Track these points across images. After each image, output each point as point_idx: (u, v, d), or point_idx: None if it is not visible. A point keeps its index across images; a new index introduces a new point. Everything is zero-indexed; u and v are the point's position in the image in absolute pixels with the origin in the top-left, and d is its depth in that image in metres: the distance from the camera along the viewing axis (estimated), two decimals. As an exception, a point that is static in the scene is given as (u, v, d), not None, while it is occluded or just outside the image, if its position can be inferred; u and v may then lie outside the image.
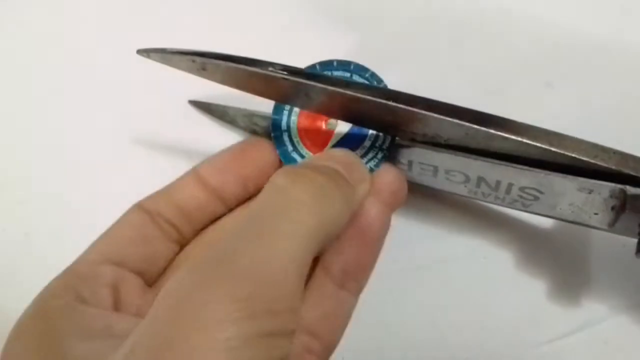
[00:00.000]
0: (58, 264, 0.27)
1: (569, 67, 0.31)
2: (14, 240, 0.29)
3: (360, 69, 0.25)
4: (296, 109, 0.25)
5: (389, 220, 0.23)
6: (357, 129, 0.25)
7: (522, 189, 0.23)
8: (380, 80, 0.25)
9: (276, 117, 0.25)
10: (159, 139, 0.30)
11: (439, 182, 0.25)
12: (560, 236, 0.28)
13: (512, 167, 0.22)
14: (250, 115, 0.28)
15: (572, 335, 0.27)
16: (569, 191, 0.22)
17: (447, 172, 0.24)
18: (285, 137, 0.25)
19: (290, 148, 0.25)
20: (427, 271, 0.28)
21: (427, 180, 0.25)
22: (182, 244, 0.24)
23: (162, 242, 0.24)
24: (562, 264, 0.28)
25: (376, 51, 0.31)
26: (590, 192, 0.22)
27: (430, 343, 0.27)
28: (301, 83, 0.21)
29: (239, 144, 0.26)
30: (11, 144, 0.30)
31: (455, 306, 0.27)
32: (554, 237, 0.28)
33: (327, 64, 0.25)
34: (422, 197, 0.28)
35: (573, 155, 0.21)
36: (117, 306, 0.21)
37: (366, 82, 0.25)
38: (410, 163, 0.24)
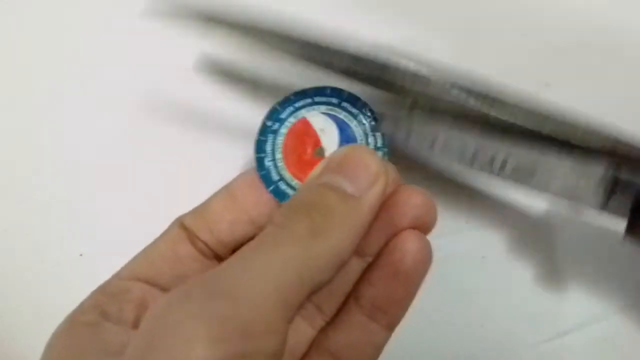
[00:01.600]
0: (59, 263, 0.28)
1: (569, 67, 0.31)
2: (15, 241, 0.29)
3: (319, 90, 0.24)
4: (279, 143, 0.24)
5: (429, 258, 0.21)
6: (345, 143, 0.24)
7: (516, 165, 0.23)
8: (342, 90, 0.24)
9: (260, 154, 0.24)
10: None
11: (436, 154, 0.25)
12: (559, 236, 0.28)
13: (507, 143, 0.22)
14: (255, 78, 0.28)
15: (571, 333, 0.27)
16: (562, 169, 0.22)
17: (444, 143, 0.24)
18: (268, 161, 0.24)
19: (274, 174, 0.23)
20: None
21: (424, 152, 0.26)
22: (218, 259, 0.23)
23: (196, 260, 0.23)
24: (561, 263, 0.28)
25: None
26: (583, 171, 0.22)
27: (430, 343, 0.27)
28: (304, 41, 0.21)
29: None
30: (11, 144, 0.30)
31: (454, 305, 0.28)
32: (553, 237, 0.28)
33: (285, 100, 0.24)
34: None
35: (568, 129, 0.21)
36: (139, 324, 0.21)
37: (329, 98, 0.24)
38: (408, 133, 0.25)
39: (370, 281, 0.21)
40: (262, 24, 0.21)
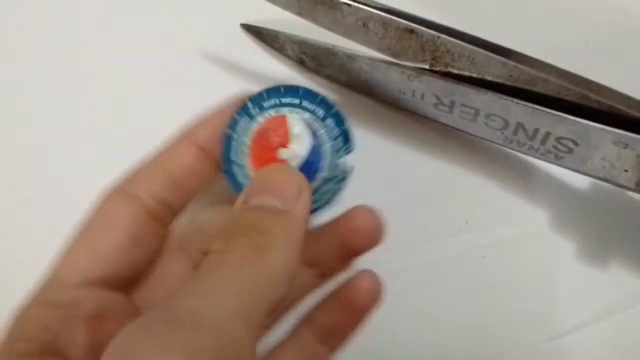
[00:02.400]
0: None
1: (569, 67, 0.31)
2: (15, 241, 0.29)
3: (310, 94, 0.23)
4: (252, 129, 0.23)
5: (380, 291, 0.24)
6: (312, 158, 0.23)
7: (558, 139, 0.24)
8: (331, 106, 0.23)
9: (229, 131, 0.23)
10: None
11: (477, 128, 0.26)
12: (557, 236, 0.28)
13: (552, 113, 0.23)
14: (300, 42, 0.29)
15: (571, 334, 0.27)
16: (604, 144, 0.23)
17: (487, 116, 0.25)
18: (234, 142, 0.23)
19: (234, 155, 0.23)
20: (426, 271, 0.28)
21: (465, 124, 0.26)
22: (171, 221, 0.23)
23: (154, 235, 0.22)
24: (559, 264, 0.28)
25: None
26: (626, 146, 0.22)
27: (430, 342, 0.28)
28: (360, 9, 0.22)
29: (228, 102, 0.23)
30: (11, 144, 0.30)
31: (454, 305, 0.28)
32: (551, 237, 0.28)
33: (274, 90, 0.23)
34: (420, 199, 0.29)
35: (610, 103, 0.22)
36: (95, 348, 0.19)
37: (317, 107, 0.23)
38: (452, 104, 0.25)
39: (324, 310, 0.24)
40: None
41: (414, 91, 0.26)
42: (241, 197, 0.21)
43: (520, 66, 0.22)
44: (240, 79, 0.30)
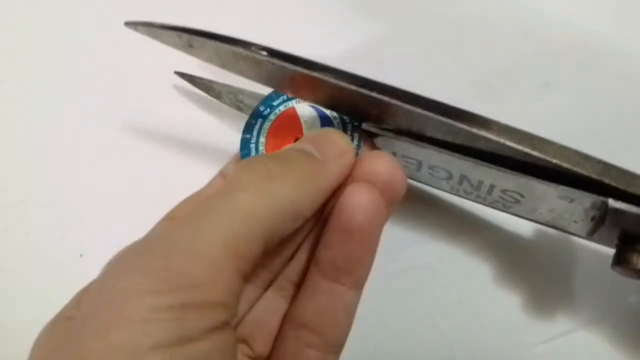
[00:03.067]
0: (59, 263, 0.28)
1: (569, 67, 0.31)
2: (15, 241, 0.29)
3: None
4: (265, 128, 0.24)
5: (381, 210, 0.20)
6: None
7: (503, 191, 0.23)
8: None
9: (246, 135, 0.24)
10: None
11: (423, 177, 0.25)
12: (553, 241, 0.28)
13: (495, 168, 0.22)
14: (236, 92, 0.28)
15: (566, 335, 0.27)
16: (550, 197, 0.22)
17: (430, 167, 0.24)
18: (252, 143, 0.24)
19: (254, 155, 0.24)
20: (425, 271, 0.28)
21: (410, 173, 0.25)
22: None
23: None
24: (555, 269, 0.28)
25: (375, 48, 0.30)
26: (572, 201, 0.21)
27: (429, 343, 0.27)
28: (284, 67, 0.21)
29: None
30: (11, 143, 0.31)
31: (454, 306, 0.27)
32: (548, 241, 0.28)
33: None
34: (419, 202, 0.28)
35: (555, 161, 0.20)
36: None
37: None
38: (394, 155, 0.24)
39: (326, 244, 0.20)
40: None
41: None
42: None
43: (458, 124, 0.20)
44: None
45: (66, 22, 0.33)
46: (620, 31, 0.32)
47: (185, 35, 0.21)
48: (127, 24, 0.21)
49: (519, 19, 0.32)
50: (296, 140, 0.23)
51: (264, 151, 0.23)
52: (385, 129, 0.23)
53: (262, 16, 0.33)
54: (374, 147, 0.23)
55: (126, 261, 0.16)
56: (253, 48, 0.21)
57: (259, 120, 0.24)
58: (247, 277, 0.17)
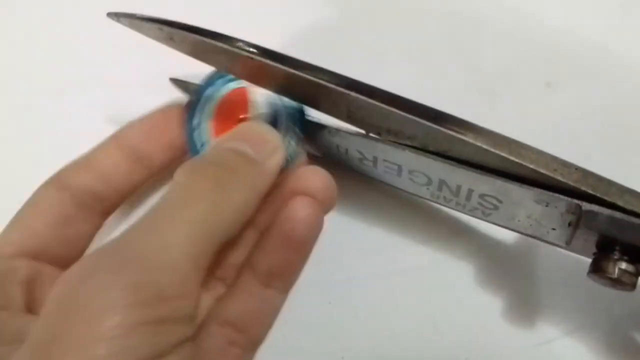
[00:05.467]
0: None
1: (569, 67, 0.31)
2: None
3: None
4: (224, 90, 0.24)
5: (319, 222, 0.21)
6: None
7: (482, 195, 0.23)
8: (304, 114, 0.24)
9: (190, 123, 0.24)
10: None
11: (403, 183, 0.25)
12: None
13: (472, 171, 0.22)
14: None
15: (561, 339, 0.26)
16: (527, 202, 0.22)
17: (410, 172, 0.24)
18: (199, 110, 0.24)
19: (196, 125, 0.24)
20: (426, 272, 0.28)
21: (391, 179, 0.25)
22: (108, 213, 0.24)
23: (85, 220, 0.23)
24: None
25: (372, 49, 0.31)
26: (547, 204, 0.21)
27: (427, 345, 0.27)
28: (265, 63, 0.21)
29: (162, 108, 0.25)
30: (10, 143, 0.30)
31: (453, 307, 0.27)
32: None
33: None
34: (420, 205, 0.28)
35: (532, 166, 0.20)
36: (31, 306, 0.21)
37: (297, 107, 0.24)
38: (375, 159, 0.24)
39: (265, 251, 0.21)
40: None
41: (337, 146, 0.25)
42: (217, 140, 0.22)
43: (436, 127, 0.20)
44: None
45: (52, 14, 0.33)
46: (621, 32, 0.32)
47: (166, 28, 0.21)
48: (110, 14, 0.21)
49: (520, 18, 0.32)
50: (239, 117, 0.24)
51: (208, 120, 0.24)
52: (367, 132, 0.23)
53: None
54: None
55: (98, 275, 0.15)
56: (237, 44, 0.21)
57: (210, 89, 0.24)
58: (202, 285, 0.18)
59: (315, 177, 0.21)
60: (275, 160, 0.21)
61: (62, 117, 0.30)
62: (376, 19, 0.33)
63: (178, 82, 0.29)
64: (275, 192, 0.21)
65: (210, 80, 0.24)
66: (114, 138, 0.24)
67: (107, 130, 0.29)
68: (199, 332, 0.20)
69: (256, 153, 0.21)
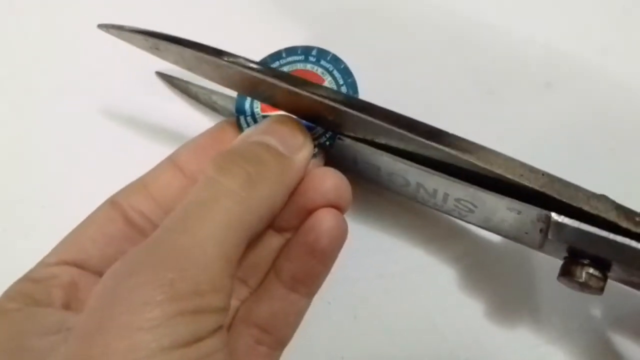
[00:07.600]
0: None
1: (569, 67, 0.31)
2: (15, 241, 0.29)
3: (318, 51, 0.25)
4: None
5: (342, 233, 0.22)
6: None
7: (457, 200, 0.24)
8: (340, 61, 0.25)
9: (240, 100, 0.25)
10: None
11: (383, 182, 0.26)
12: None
13: (446, 177, 0.22)
14: (210, 93, 0.29)
15: (557, 341, 0.27)
16: (500, 209, 0.22)
17: (388, 174, 0.25)
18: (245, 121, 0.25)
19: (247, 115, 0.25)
20: (425, 273, 0.28)
21: (372, 177, 0.26)
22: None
23: (131, 241, 0.23)
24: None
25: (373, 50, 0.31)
26: (519, 212, 0.22)
27: (426, 346, 0.27)
28: (245, 73, 0.21)
29: (214, 127, 0.25)
30: (10, 143, 0.31)
31: (453, 307, 0.28)
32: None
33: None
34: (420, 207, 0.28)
35: (499, 172, 0.21)
36: (71, 305, 0.21)
37: (330, 65, 0.25)
38: (355, 160, 0.25)
39: (290, 258, 0.22)
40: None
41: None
42: (244, 133, 0.23)
43: (409, 135, 0.21)
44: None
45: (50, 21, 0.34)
46: (621, 32, 0.32)
47: (151, 39, 0.22)
48: (100, 26, 0.23)
49: (520, 19, 0.32)
50: None
51: (259, 111, 0.25)
52: (346, 136, 0.24)
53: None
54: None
55: (138, 272, 0.17)
56: (225, 58, 0.21)
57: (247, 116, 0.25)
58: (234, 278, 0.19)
59: (332, 179, 0.22)
60: (303, 155, 0.22)
61: (62, 117, 0.31)
62: (376, 19, 0.33)
63: (163, 76, 0.30)
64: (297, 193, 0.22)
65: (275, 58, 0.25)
66: (167, 158, 0.24)
67: (107, 130, 0.30)
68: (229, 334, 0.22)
69: (285, 148, 0.21)
